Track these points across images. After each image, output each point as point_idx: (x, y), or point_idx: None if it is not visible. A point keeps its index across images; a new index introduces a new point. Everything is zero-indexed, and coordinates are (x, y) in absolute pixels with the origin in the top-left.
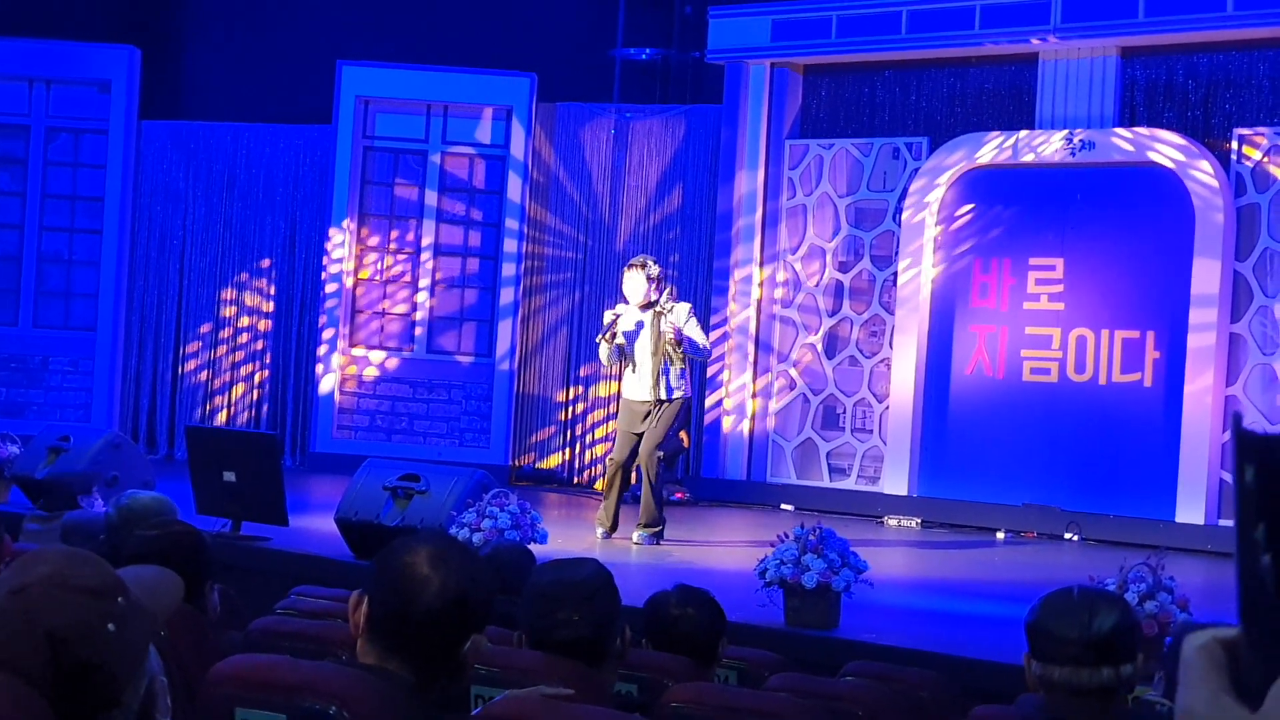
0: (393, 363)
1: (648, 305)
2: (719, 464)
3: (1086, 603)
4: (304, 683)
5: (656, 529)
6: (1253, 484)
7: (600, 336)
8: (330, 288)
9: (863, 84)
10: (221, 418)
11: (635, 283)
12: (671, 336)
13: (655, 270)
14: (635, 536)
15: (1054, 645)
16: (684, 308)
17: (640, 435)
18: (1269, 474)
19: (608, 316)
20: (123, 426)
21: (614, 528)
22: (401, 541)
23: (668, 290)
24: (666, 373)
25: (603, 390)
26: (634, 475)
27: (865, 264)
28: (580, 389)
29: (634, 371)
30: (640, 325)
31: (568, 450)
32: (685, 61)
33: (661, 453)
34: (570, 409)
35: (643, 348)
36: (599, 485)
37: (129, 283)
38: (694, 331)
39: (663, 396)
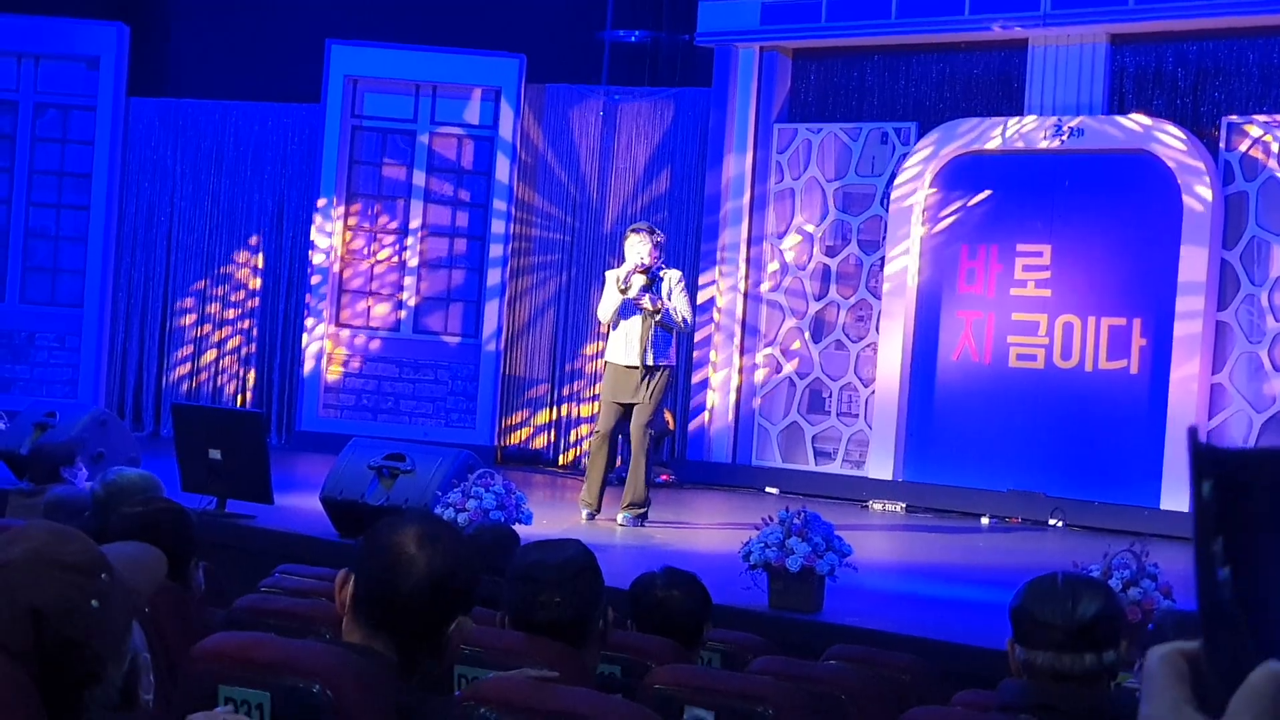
0: (379, 342)
1: (646, 271)
2: (704, 446)
3: (1070, 589)
4: (288, 661)
5: (642, 510)
6: (1210, 498)
7: (619, 285)
8: (317, 265)
9: (852, 68)
10: (208, 395)
11: (641, 247)
12: (660, 304)
13: (661, 237)
14: (620, 518)
15: (1037, 630)
16: (675, 274)
17: (625, 405)
18: (1225, 488)
19: (620, 271)
20: (109, 403)
21: (598, 508)
22: (388, 521)
23: (661, 259)
24: (657, 339)
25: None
26: (619, 455)
27: (853, 248)
28: (569, 368)
29: (624, 336)
30: (639, 293)
31: (553, 431)
32: (675, 44)
33: (652, 430)
34: (556, 390)
35: (638, 315)
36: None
37: (116, 259)
38: (679, 300)
39: (651, 362)
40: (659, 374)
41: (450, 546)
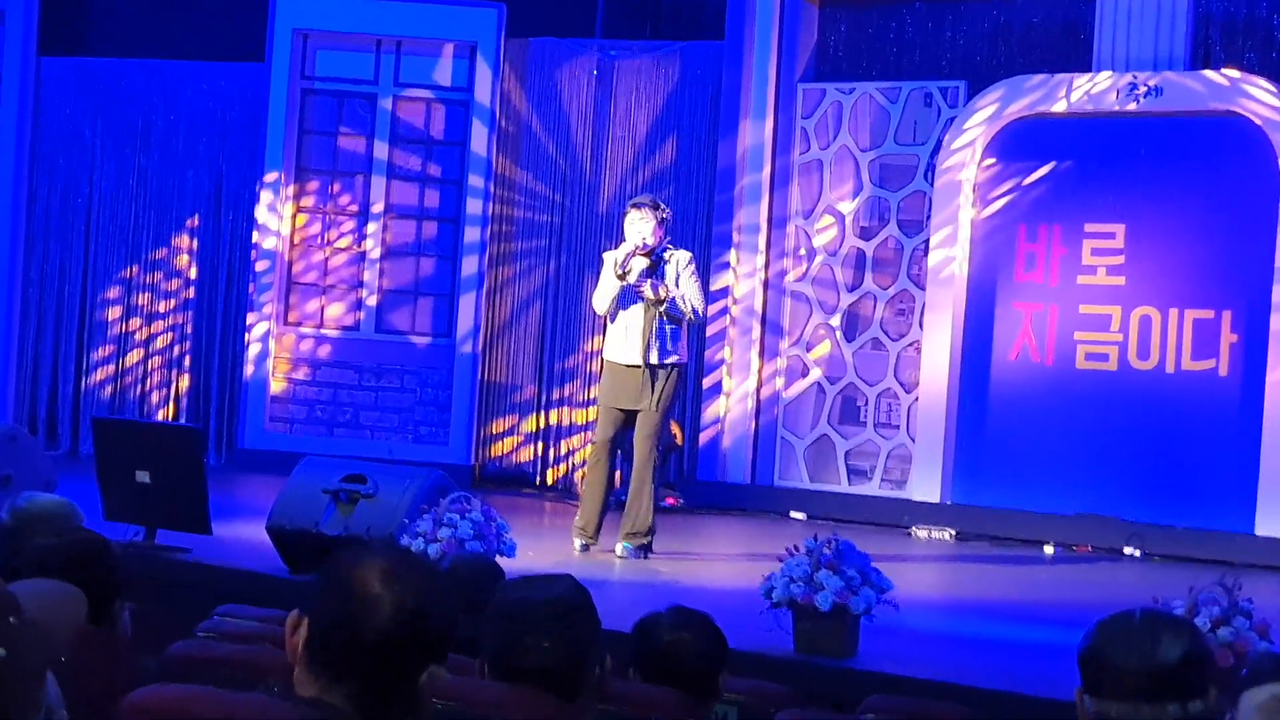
0: (334, 344)
1: (649, 253)
2: (718, 465)
3: (1149, 628)
4: (230, 718)
5: (645, 539)
6: None
7: (617, 269)
8: (263, 252)
9: (889, 18)
10: (134, 405)
11: (643, 225)
12: (665, 292)
13: (667, 213)
14: (619, 548)
15: (1111, 678)
16: (683, 255)
17: (626, 412)
18: None
19: (619, 252)
20: (18, 416)
21: (594, 538)
22: (348, 554)
23: (668, 238)
24: (663, 332)
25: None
26: (619, 472)
27: (891, 230)
28: (559, 369)
29: (623, 329)
30: (640, 278)
31: (540, 445)
32: None
33: (659, 444)
34: (544, 396)
35: (639, 304)
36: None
37: (26, 246)
38: (689, 286)
39: (655, 360)
40: (666, 374)
41: (420, 583)
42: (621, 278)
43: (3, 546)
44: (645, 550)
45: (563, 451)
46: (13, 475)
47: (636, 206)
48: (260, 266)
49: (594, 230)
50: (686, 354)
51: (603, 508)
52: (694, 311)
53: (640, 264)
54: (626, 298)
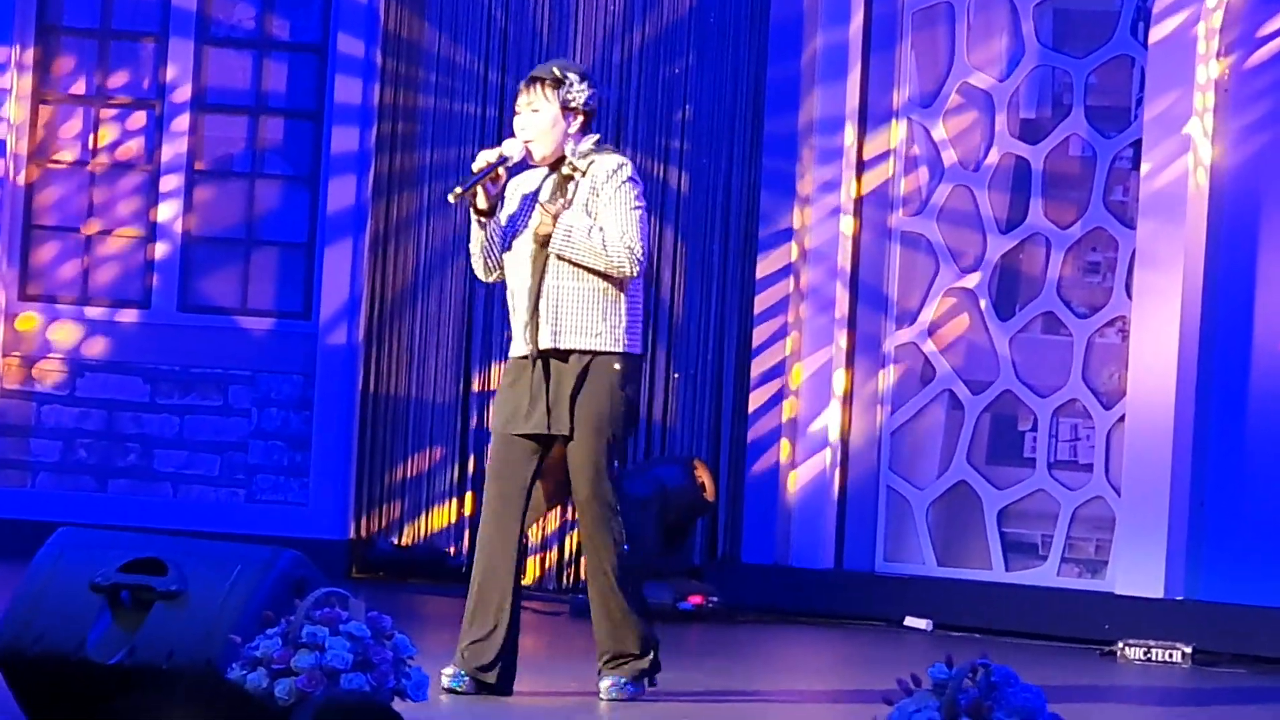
0: (105, 336)
1: (556, 163)
2: (776, 538)
3: None
4: None
5: (642, 661)
6: None
7: (455, 194)
8: None
9: None
10: None
11: (530, 120)
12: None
13: (578, 91)
14: (604, 686)
15: None
16: (609, 163)
17: (532, 442)
18: None
19: (482, 159)
20: None
21: (492, 674)
22: (142, 701)
23: (590, 139)
24: (573, 296)
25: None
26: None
27: (1076, 125)
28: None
29: (512, 296)
30: (531, 202)
31: (467, 503)
32: None
33: (614, 499)
34: (473, 423)
35: (524, 252)
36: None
37: None
38: (612, 210)
39: (555, 342)
40: (581, 368)
41: None
42: (483, 213)
43: None
44: (646, 679)
45: None
46: None
47: (528, 84)
48: None
49: None
50: (635, 338)
51: (511, 621)
52: (624, 254)
53: (511, 196)
54: (520, 250)
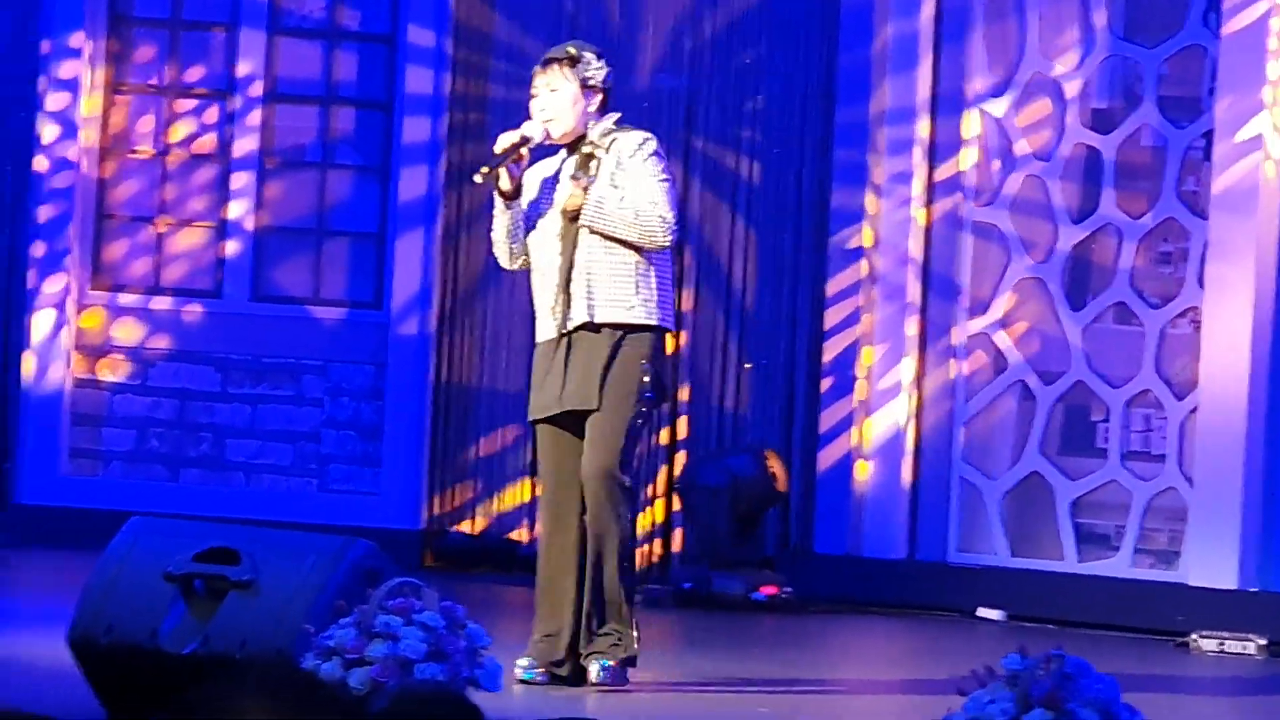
0: (174, 327)
1: (575, 144)
2: (848, 528)
3: None
4: None
5: (620, 646)
6: None
7: (483, 173)
8: (54, 163)
9: None
10: None
11: (550, 100)
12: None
13: (596, 69)
14: (593, 669)
15: None
16: (632, 139)
17: (575, 438)
18: None
19: (504, 141)
20: None
21: (568, 657)
22: (216, 690)
23: (610, 117)
24: (602, 269)
25: None
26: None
27: (1148, 115)
28: None
29: (540, 277)
30: (551, 185)
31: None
32: None
33: (627, 479)
34: None
35: (551, 230)
36: None
37: None
38: (637, 179)
39: (592, 316)
40: (612, 343)
41: None
42: (508, 195)
43: None
44: (625, 668)
45: None
46: None
47: (544, 65)
48: (48, 191)
49: (629, 119)
50: (668, 311)
51: (576, 619)
52: (656, 222)
53: (531, 181)
54: (546, 231)
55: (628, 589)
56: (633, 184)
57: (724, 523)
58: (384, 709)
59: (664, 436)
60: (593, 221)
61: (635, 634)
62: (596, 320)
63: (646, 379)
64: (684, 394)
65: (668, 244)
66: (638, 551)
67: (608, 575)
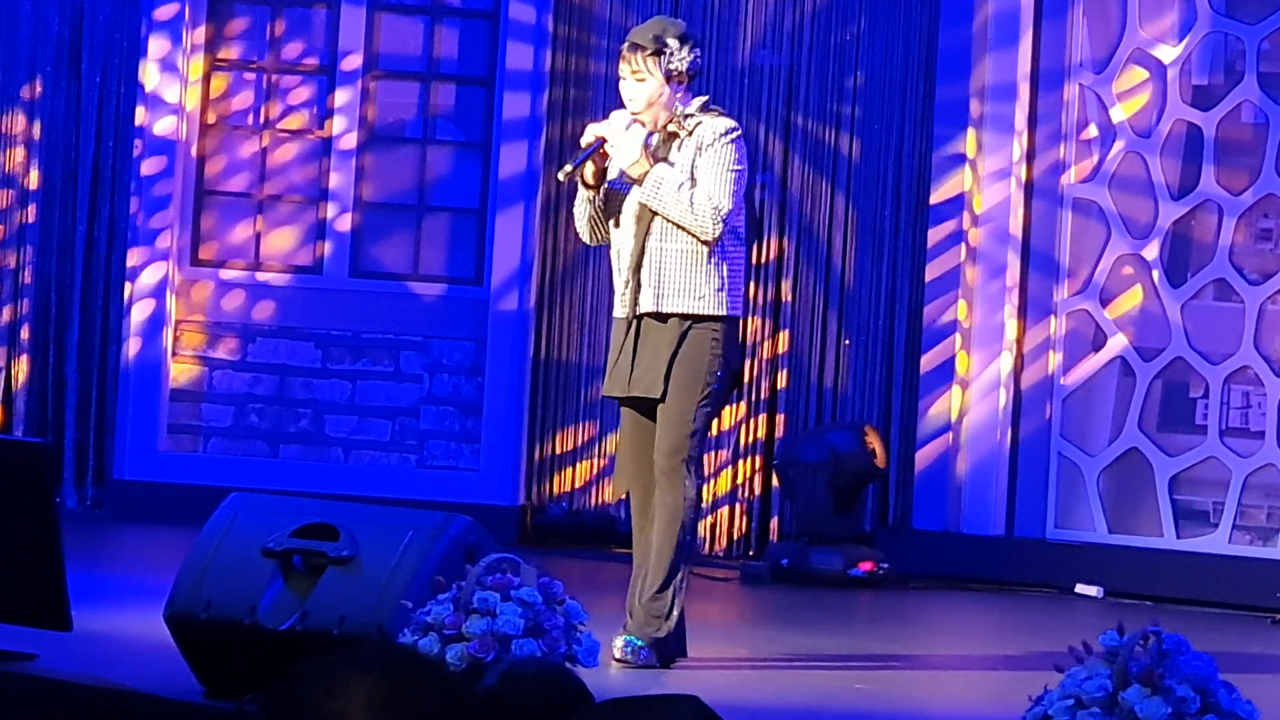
0: (275, 302)
1: (660, 128)
2: (948, 505)
3: None
4: None
5: (656, 627)
6: None
7: (566, 172)
8: (152, 141)
9: None
10: None
11: (635, 89)
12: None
13: (680, 59)
14: (618, 646)
15: None
16: (718, 125)
17: (638, 406)
18: None
19: (588, 135)
20: None
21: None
22: (314, 666)
23: (697, 100)
24: (671, 258)
25: None
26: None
27: (1248, 91)
28: None
29: (616, 257)
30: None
31: None
32: None
33: (692, 467)
34: None
35: (629, 210)
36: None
37: None
38: (713, 172)
39: (654, 305)
40: (678, 333)
41: (438, 714)
42: (591, 186)
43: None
44: (658, 649)
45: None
46: None
47: (631, 49)
48: (148, 167)
49: (730, 95)
50: (736, 300)
51: None
52: (707, 214)
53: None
54: (627, 214)
55: (674, 571)
56: (703, 169)
57: (823, 499)
58: (492, 686)
59: (762, 414)
60: (648, 199)
61: (674, 617)
62: (664, 310)
63: (715, 367)
64: (783, 372)
65: (716, 239)
66: (731, 527)
67: (662, 553)
